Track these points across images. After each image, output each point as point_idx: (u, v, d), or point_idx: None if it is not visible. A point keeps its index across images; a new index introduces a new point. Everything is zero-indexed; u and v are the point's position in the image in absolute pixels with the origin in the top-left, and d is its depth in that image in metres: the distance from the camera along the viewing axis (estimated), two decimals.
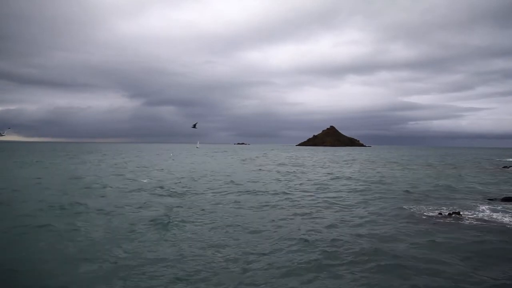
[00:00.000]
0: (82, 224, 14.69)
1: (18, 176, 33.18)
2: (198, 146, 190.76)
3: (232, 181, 30.51)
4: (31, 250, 11.34)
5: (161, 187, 26.13)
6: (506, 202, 21.06)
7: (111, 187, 25.87)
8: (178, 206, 18.81)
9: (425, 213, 17.65)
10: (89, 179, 31.02)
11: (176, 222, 15.13)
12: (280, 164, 57.63)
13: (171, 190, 24.96)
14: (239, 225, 14.91)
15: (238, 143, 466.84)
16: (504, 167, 53.85)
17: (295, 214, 17.36)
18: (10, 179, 30.40)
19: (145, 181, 30.42)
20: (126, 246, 11.74)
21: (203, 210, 17.99)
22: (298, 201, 21.33)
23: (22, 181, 28.49)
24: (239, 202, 20.67)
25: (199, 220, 15.71)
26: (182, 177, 33.59)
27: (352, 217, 16.91)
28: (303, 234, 13.43)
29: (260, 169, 45.15)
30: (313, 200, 21.76)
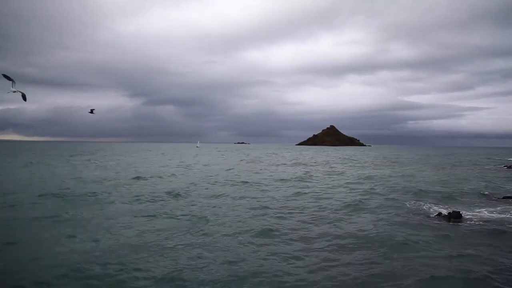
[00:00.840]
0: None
1: (20, 177, 33.15)
2: (198, 145, 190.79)
3: (251, 182, 30.49)
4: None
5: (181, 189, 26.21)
6: (506, 202, 21.02)
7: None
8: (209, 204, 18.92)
9: (424, 213, 17.61)
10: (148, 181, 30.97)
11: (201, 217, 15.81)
12: (294, 163, 57.93)
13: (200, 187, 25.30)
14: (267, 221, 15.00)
15: (238, 143, 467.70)
16: (504, 166, 53.92)
17: (316, 215, 17.32)
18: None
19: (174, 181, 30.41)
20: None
21: (229, 207, 18.04)
22: (316, 201, 21.30)
23: (33, 181, 28.52)
24: (268, 199, 21.19)
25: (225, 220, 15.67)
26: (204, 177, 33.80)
27: (353, 215, 16.92)
28: (324, 232, 13.50)
29: (279, 169, 45.26)
30: (322, 197, 21.92)
